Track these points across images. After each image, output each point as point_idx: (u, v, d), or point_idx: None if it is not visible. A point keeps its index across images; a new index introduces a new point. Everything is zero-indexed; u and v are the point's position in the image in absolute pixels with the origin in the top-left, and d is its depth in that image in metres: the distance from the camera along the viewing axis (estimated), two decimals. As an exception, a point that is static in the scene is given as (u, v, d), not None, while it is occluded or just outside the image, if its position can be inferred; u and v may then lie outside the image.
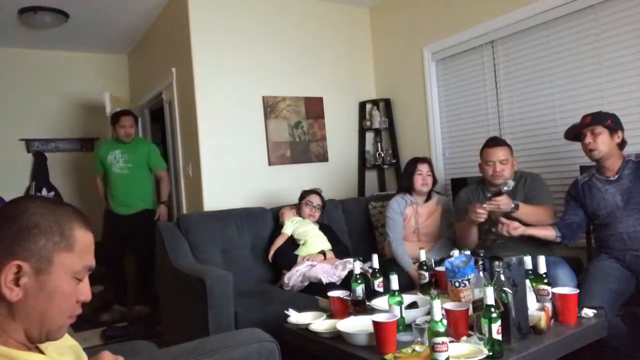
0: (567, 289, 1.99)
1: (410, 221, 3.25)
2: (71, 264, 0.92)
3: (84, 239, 0.95)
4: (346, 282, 2.66)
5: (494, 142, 2.78)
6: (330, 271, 2.95)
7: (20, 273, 0.87)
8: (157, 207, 4.20)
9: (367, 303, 2.19)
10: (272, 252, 3.24)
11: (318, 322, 2.09)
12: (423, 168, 3.24)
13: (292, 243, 3.27)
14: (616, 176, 2.42)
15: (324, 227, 3.41)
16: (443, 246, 3.13)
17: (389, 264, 2.97)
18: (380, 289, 2.31)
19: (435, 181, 3.32)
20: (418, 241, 3.20)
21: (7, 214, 0.91)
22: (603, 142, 2.38)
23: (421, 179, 3.23)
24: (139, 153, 4.15)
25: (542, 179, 2.79)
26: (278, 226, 3.40)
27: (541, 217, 2.59)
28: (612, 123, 2.39)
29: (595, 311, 1.98)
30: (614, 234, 2.39)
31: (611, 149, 2.40)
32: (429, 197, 3.32)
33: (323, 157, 4.21)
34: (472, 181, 3.24)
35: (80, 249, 0.94)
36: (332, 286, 2.73)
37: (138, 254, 4.30)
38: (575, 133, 2.53)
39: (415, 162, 3.28)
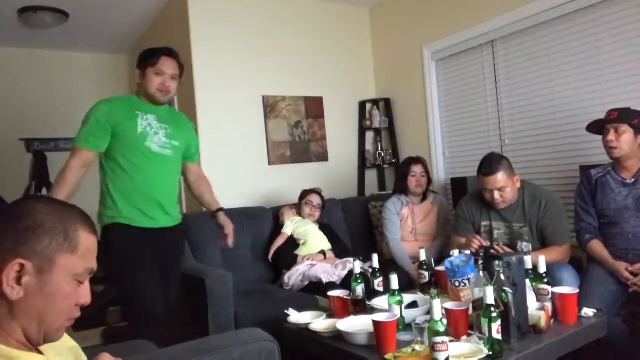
0: (567, 289, 1.98)
1: (407, 222, 3.25)
2: (73, 266, 0.92)
3: (87, 241, 0.95)
4: (346, 282, 2.66)
5: (489, 170, 2.46)
6: (330, 271, 2.96)
7: (23, 272, 0.87)
8: (219, 218, 2.58)
9: (367, 302, 2.19)
10: (272, 251, 3.24)
11: (318, 322, 2.10)
12: (417, 169, 3.25)
13: (292, 243, 3.27)
14: (633, 180, 2.34)
15: (324, 227, 3.41)
16: (441, 245, 3.14)
17: (389, 264, 2.97)
18: (380, 289, 2.30)
19: (429, 181, 3.32)
20: (416, 241, 3.20)
21: (14, 213, 0.91)
22: (626, 141, 2.29)
23: (415, 180, 3.23)
24: (183, 129, 2.43)
25: (559, 205, 2.53)
26: (278, 226, 3.40)
27: (554, 259, 2.37)
28: (638, 122, 2.28)
29: (595, 311, 1.98)
30: (620, 232, 2.36)
31: (633, 150, 2.31)
32: (424, 197, 3.32)
33: (323, 157, 4.21)
34: (472, 181, 3.24)
35: (83, 251, 0.94)
36: (332, 286, 2.73)
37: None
38: (599, 127, 2.40)
39: (409, 163, 3.28)
